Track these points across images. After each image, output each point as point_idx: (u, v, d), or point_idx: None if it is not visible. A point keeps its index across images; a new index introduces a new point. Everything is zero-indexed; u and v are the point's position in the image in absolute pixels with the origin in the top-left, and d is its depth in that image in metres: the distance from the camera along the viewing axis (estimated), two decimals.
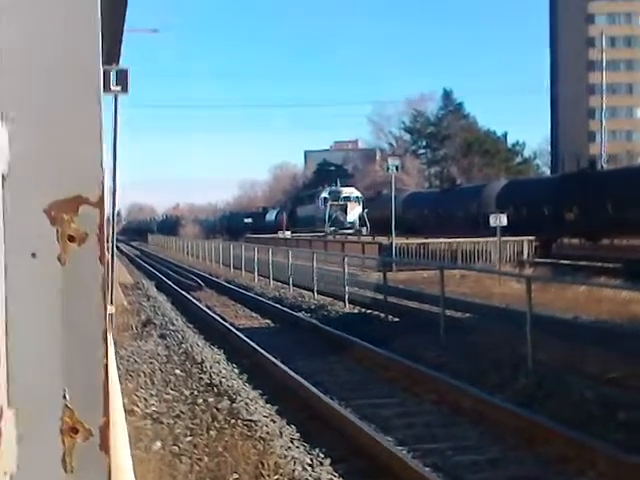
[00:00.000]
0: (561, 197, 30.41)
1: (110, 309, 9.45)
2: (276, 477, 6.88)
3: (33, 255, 0.97)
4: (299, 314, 17.67)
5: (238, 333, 14.78)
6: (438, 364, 11.31)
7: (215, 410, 9.15)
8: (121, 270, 28.50)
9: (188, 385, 10.69)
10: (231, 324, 16.60)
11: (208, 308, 19.89)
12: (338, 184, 65.11)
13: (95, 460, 0.98)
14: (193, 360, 12.42)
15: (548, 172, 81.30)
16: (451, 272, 20.29)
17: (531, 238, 30.58)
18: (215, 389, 10.34)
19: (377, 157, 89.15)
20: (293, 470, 7.03)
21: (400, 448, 7.56)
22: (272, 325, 17.35)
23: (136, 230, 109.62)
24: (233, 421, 8.64)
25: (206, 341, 14.72)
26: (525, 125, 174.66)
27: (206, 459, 7.42)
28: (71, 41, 0.99)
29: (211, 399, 9.75)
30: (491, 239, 27.89)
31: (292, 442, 7.91)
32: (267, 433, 8.12)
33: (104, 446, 0.98)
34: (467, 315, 15.87)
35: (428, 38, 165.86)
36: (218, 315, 18.35)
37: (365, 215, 52.35)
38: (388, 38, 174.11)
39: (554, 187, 32.08)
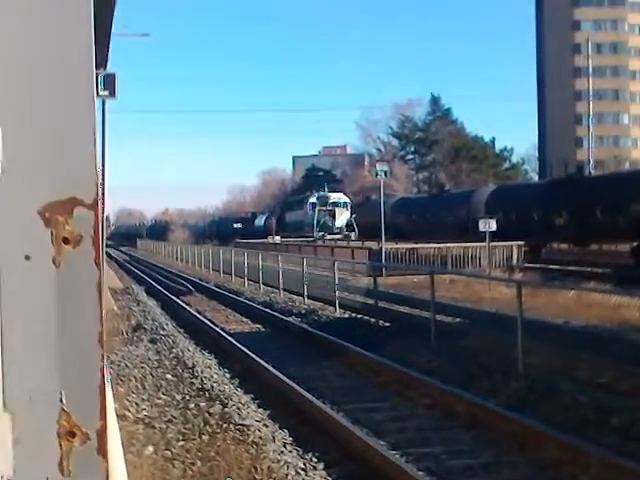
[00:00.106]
0: (550, 202, 30.53)
1: None
2: None
3: (27, 257, 0.96)
4: (289, 319, 17.63)
5: (229, 338, 14.74)
6: (429, 369, 11.31)
7: (207, 415, 9.12)
8: (110, 275, 28.41)
9: (180, 390, 10.65)
10: (222, 329, 16.55)
11: (198, 313, 19.83)
12: (326, 189, 65.28)
13: (93, 464, 0.97)
14: (184, 365, 12.38)
15: (536, 178, 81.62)
16: (441, 277, 20.30)
17: (520, 243, 30.59)
18: (207, 394, 10.30)
19: (365, 162, 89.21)
20: (286, 475, 7.01)
21: (393, 452, 7.56)
22: (263, 330, 17.32)
23: (125, 235, 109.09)
24: (225, 426, 8.61)
25: (197, 346, 14.67)
26: (513, 131, 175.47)
27: (199, 463, 7.39)
28: (65, 44, 0.98)
29: (203, 404, 9.71)
30: (481, 244, 27.95)
31: (285, 446, 7.89)
32: (260, 437, 8.09)
33: (101, 450, 0.98)
34: (457, 320, 15.89)
35: (416, 44, 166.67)
36: (209, 320, 18.29)
37: (353, 220, 52.43)
38: (376, 44, 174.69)
39: (543, 193, 32.21)
